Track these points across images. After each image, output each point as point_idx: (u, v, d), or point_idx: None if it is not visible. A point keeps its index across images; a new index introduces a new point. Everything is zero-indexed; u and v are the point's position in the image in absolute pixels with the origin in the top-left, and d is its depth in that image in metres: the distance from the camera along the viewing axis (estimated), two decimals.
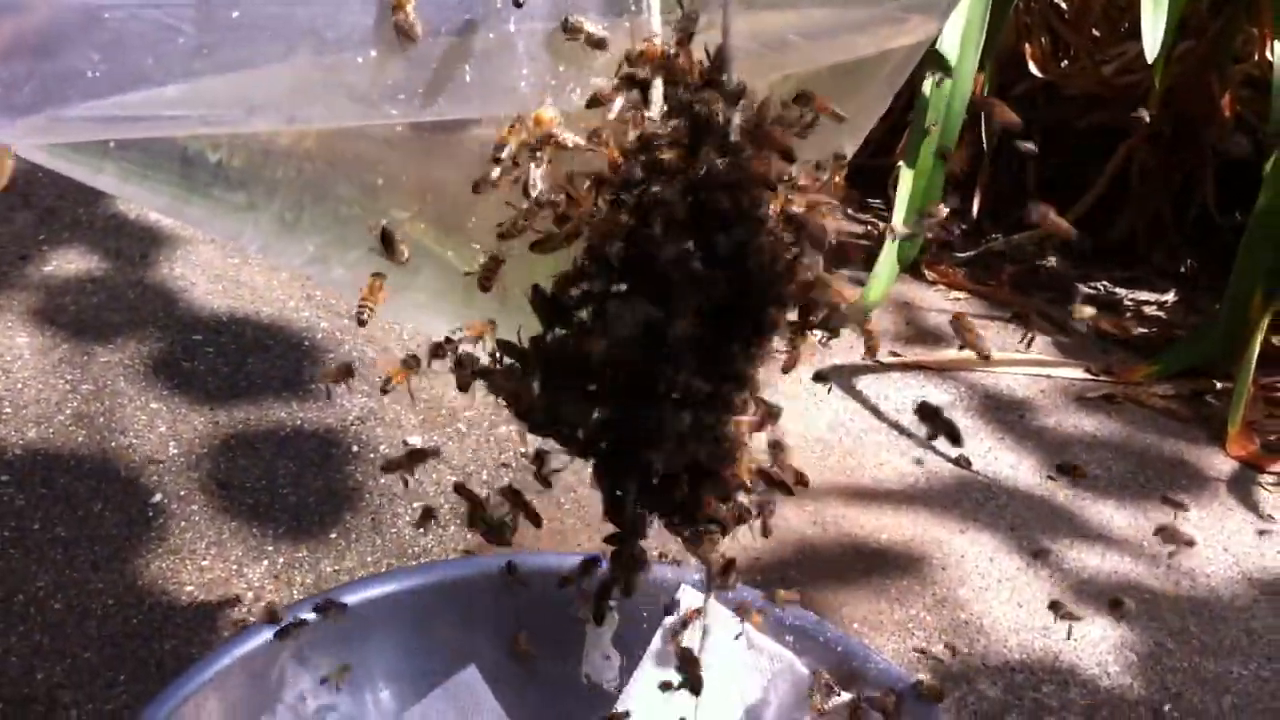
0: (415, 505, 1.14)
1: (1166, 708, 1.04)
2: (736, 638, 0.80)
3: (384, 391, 0.67)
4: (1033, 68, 1.91)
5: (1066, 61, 1.94)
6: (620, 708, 0.79)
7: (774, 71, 0.57)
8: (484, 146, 0.55)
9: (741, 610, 0.80)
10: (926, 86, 1.60)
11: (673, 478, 0.56)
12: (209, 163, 0.53)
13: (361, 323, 0.59)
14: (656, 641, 0.81)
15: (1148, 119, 1.68)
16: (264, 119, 0.50)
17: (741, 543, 1.14)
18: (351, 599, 0.78)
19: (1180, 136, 1.88)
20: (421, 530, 1.10)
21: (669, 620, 0.81)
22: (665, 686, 0.73)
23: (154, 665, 0.94)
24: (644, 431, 0.54)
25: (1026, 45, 1.91)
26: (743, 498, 0.58)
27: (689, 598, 0.81)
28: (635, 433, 0.55)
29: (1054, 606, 1.00)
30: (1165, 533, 1.09)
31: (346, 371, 0.78)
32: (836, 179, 0.59)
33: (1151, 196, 1.93)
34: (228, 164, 0.54)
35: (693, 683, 0.71)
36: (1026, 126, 0.68)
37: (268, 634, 0.74)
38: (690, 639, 0.79)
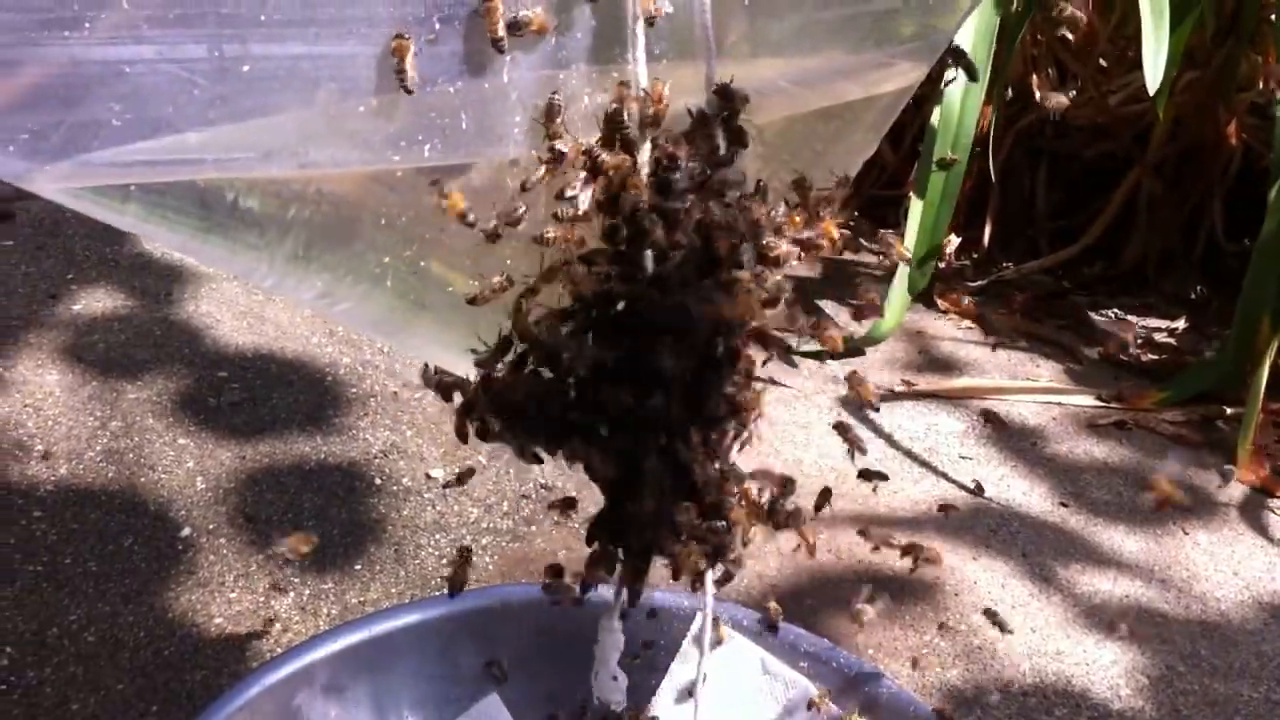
0: (438, 537, 1.17)
1: None
2: (754, 665, 0.82)
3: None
4: (1040, 98, 1.93)
5: (1074, 92, 1.97)
6: None
7: (763, 115, 0.60)
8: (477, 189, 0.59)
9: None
10: (935, 118, 1.63)
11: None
12: (226, 203, 0.56)
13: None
14: (674, 667, 0.83)
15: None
16: (277, 164, 0.54)
17: (757, 569, 1.17)
18: (377, 629, 0.80)
19: (1187, 165, 1.90)
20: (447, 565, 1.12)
21: (688, 645, 0.83)
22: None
23: (185, 696, 0.96)
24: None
25: (1034, 76, 1.93)
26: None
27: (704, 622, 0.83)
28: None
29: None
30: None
31: None
32: (828, 218, 0.62)
33: (1160, 224, 1.95)
34: (244, 204, 0.57)
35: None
36: (1034, 156, 0.70)
37: (294, 664, 0.76)
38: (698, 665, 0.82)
